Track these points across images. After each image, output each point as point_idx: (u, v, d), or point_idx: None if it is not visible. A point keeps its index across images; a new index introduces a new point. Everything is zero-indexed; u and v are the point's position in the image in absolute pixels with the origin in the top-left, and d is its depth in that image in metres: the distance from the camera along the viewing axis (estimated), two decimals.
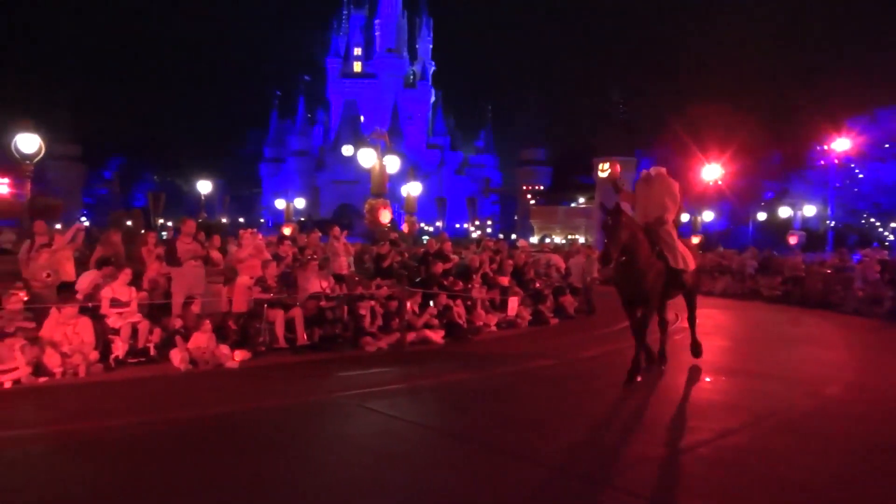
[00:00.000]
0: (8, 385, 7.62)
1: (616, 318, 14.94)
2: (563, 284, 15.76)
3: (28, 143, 17.30)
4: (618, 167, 9.42)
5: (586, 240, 49.91)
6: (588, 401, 7.35)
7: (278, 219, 52.36)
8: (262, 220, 62.96)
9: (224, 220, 49.23)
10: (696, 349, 9.60)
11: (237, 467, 5.09)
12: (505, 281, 14.00)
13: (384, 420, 6.57)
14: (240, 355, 9.22)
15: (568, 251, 22.72)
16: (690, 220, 35.60)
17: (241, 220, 59.22)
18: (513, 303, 13.34)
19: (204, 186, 37.67)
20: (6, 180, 37.68)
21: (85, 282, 9.89)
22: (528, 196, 77.02)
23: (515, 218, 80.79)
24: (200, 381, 8.31)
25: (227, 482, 4.79)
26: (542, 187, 79.56)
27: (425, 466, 5.28)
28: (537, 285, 14.62)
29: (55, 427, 6.19)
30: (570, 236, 62.83)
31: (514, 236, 57.89)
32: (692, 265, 8.79)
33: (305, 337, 10.11)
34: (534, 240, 56.40)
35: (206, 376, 8.56)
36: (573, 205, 71.91)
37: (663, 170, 9.00)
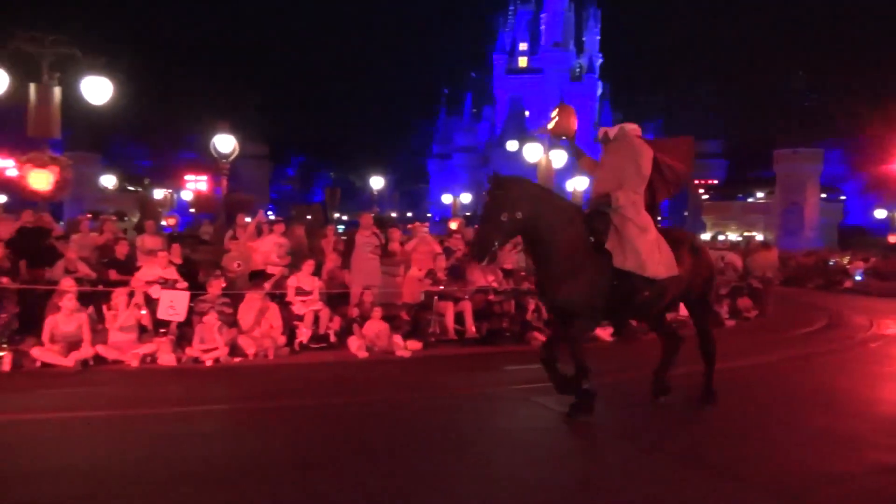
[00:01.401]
0: (209, 363, 8.44)
1: (794, 321, 13.96)
2: (740, 284, 14.90)
3: (225, 143, 18.92)
4: (573, 119, 6.48)
5: (764, 237, 46.77)
6: (772, 409, 6.89)
7: (445, 213, 53.65)
8: (428, 215, 64.75)
9: (393, 215, 51.24)
10: (707, 395, 6.90)
11: (405, 452, 5.28)
12: None
13: (552, 416, 6.54)
14: (412, 345, 9.59)
15: (745, 249, 21.39)
16: (888, 216, 32.26)
17: (409, 214, 61.29)
18: None
19: (376, 182, 39.34)
20: (205, 178, 41.58)
21: (266, 244, 10.94)
22: (701, 190, 73.34)
23: (686, 213, 77.26)
24: (375, 368, 8.72)
25: (393, 467, 4.96)
26: (715, 181, 75.51)
27: (595, 467, 5.21)
28: None
29: (246, 404, 6.74)
30: (746, 233, 59.15)
31: None
32: (663, 270, 5.93)
33: (474, 329, 10.32)
34: (706, 236, 53.64)
35: (381, 363, 8.97)
36: (750, 199, 67.62)
37: (632, 128, 6.30)
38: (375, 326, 9.48)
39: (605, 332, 11.02)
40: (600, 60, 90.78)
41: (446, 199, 58.20)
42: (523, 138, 32.78)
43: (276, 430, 5.85)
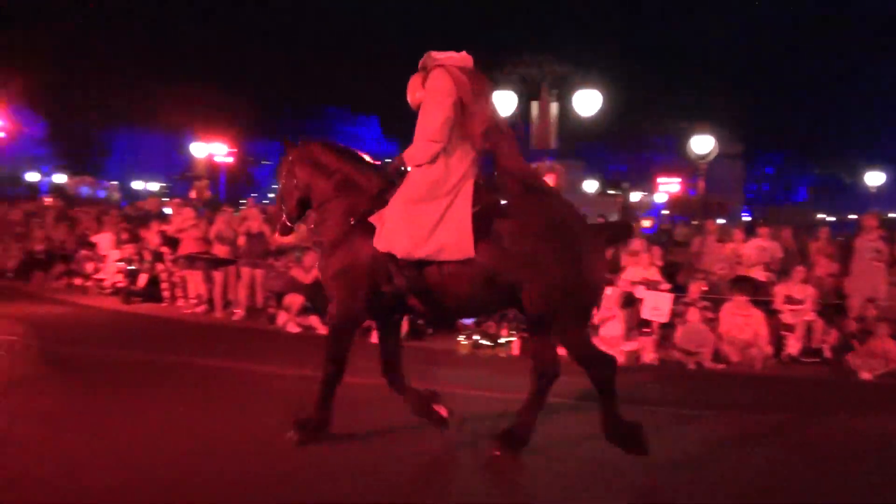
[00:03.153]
0: (692, 366, 8.45)
1: None
2: None
3: (702, 144, 18.86)
4: (411, 92, 4.74)
5: None
6: None
7: None
8: None
9: (893, 215, 44.20)
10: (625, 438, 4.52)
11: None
12: None
13: None
14: None
15: None
16: None
17: None
18: None
19: (874, 178, 34.49)
20: (677, 179, 41.87)
21: (749, 248, 10.44)
22: None
23: None
24: (878, 391, 7.64)
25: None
26: None
27: None
28: None
29: (721, 412, 6.39)
30: None
31: None
32: (421, 249, 4.35)
33: None
34: None
35: (890, 388, 7.81)
36: None
37: (438, 56, 4.60)
38: (881, 344, 8.28)
39: None
40: None
41: None
42: None
43: (745, 443, 5.50)
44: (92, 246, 13.26)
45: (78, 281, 13.05)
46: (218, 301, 10.99)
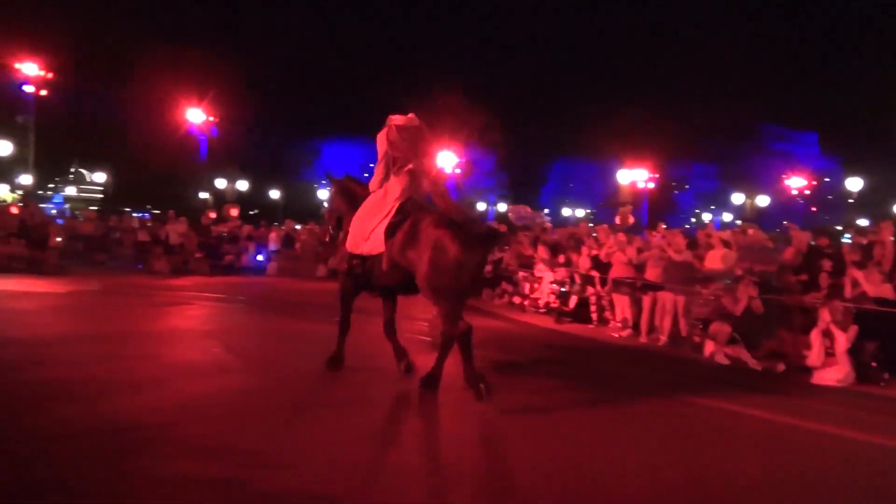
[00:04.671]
0: None
1: None
2: None
3: None
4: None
5: None
6: None
7: None
8: None
9: None
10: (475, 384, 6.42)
11: None
12: None
13: None
14: None
15: None
16: None
17: None
18: None
19: None
20: None
21: None
22: None
23: None
24: None
25: None
26: None
27: None
28: None
29: None
30: None
31: None
32: (357, 246, 7.06)
33: None
34: None
35: None
36: None
37: (390, 118, 7.09)
38: None
39: None
40: None
41: None
42: None
43: None
44: (530, 268, 14.59)
45: (517, 299, 14.44)
46: (644, 325, 11.09)
